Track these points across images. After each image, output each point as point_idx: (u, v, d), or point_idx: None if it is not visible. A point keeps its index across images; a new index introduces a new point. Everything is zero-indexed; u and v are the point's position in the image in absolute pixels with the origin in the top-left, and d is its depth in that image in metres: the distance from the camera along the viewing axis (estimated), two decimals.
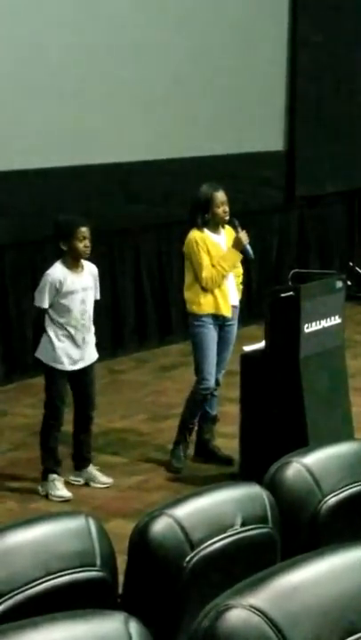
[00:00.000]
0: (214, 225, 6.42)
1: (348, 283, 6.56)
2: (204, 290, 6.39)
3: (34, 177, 8.37)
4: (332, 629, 1.99)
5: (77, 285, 5.99)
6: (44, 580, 2.62)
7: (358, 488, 3.29)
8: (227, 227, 6.50)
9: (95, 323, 9.06)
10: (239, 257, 6.47)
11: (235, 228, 6.47)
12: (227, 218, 6.41)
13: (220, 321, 6.45)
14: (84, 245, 5.94)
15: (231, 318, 6.51)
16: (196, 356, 6.47)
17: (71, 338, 5.98)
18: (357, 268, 11.81)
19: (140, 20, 9.14)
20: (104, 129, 8.87)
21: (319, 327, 6.02)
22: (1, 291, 8.40)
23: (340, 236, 12.04)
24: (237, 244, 6.43)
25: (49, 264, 8.61)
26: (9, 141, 8.10)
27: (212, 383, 6.45)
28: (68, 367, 6.00)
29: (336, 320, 6.19)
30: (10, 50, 8.13)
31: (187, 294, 6.50)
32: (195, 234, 6.37)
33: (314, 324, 5.97)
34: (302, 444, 4.91)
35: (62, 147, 8.53)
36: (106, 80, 8.91)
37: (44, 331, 6.00)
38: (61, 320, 5.96)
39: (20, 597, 2.56)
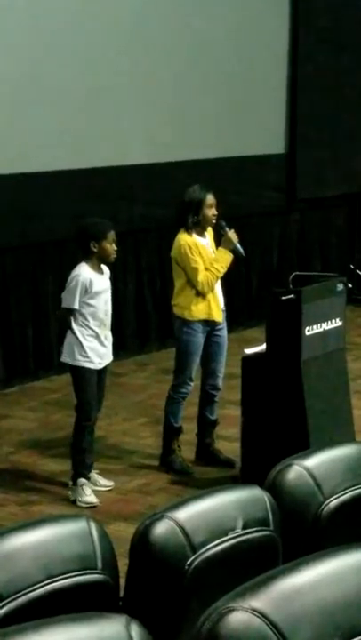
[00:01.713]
0: (201, 227, 6.41)
1: (349, 285, 6.55)
2: (198, 295, 6.37)
3: (34, 180, 8.37)
4: (334, 632, 1.99)
5: (102, 286, 6.07)
6: (45, 582, 2.62)
7: (360, 490, 3.29)
8: (209, 229, 6.48)
9: None
10: (231, 257, 6.45)
11: (222, 228, 6.45)
12: (214, 221, 6.40)
13: (209, 326, 6.44)
14: (113, 248, 6.04)
15: (221, 322, 6.50)
16: (181, 360, 6.46)
17: (97, 337, 6.02)
18: (358, 271, 11.81)
19: (140, 23, 9.15)
20: (105, 132, 8.88)
21: (320, 330, 6.02)
22: (2, 294, 8.40)
23: (341, 239, 12.04)
24: (227, 244, 6.41)
25: (50, 267, 8.68)
26: (10, 145, 8.10)
27: (191, 386, 6.48)
28: (98, 366, 6.04)
29: (337, 323, 6.19)
30: (12, 54, 8.14)
31: (177, 299, 6.46)
32: (185, 238, 6.34)
33: (315, 326, 5.97)
34: (303, 446, 4.91)
35: (64, 150, 8.53)
36: (107, 84, 8.91)
37: (70, 333, 6.01)
38: (87, 320, 5.99)
39: (21, 600, 2.56)
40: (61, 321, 6.15)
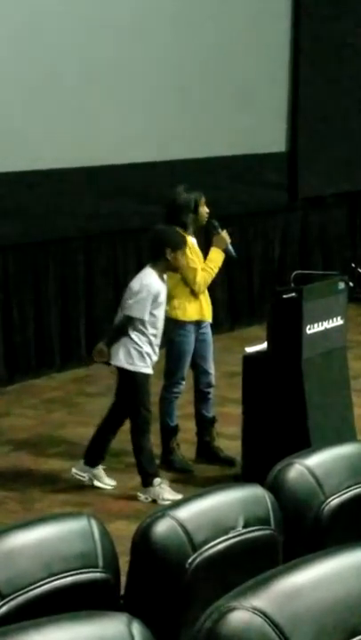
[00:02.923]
0: (194, 227, 6.42)
1: (351, 284, 6.55)
2: (192, 294, 6.36)
3: (38, 178, 8.37)
4: (335, 631, 1.99)
5: (164, 296, 6.06)
6: (46, 581, 2.62)
7: None
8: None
9: (97, 324, 9.11)
10: (223, 257, 6.47)
11: (215, 228, 6.46)
12: (206, 219, 6.43)
13: (199, 326, 6.45)
14: (183, 261, 6.06)
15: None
16: (173, 361, 6.42)
17: (151, 344, 5.99)
18: (360, 270, 11.81)
19: (142, 22, 9.14)
20: (107, 131, 8.87)
21: (321, 328, 6.02)
22: (4, 292, 8.40)
23: (342, 238, 12.04)
24: (220, 244, 6.42)
25: (52, 265, 8.68)
26: (12, 143, 8.10)
27: (183, 386, 6.49)
28: (151, 372, 6.05)
29: (338, 321, 6.19)
30: (13, 52, 8.13)
31: (170, 299, 6.44)
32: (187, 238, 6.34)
33: (316, 325, 5.97)
34: (305, 445, 4.92)
35: (67, 148, 8.53)
36: (109, 83, 8.90)
37: (127, 338, 5.95)
38: (146, 329, 5.95)
39: (22, 599, 2.56)
40: (119, 327, 6.02)
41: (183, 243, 6.03)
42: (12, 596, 2.54)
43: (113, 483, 6.22)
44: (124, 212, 9.13)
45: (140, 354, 5.95)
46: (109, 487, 6.17)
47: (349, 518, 3.24)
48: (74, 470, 6.22)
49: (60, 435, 7.16)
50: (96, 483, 6.17)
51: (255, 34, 10.36)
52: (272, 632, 1.94)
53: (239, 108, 10.23)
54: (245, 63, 10.28)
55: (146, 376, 6.01)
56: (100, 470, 6.22)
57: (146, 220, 9.35)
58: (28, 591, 2.57)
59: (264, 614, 1.96)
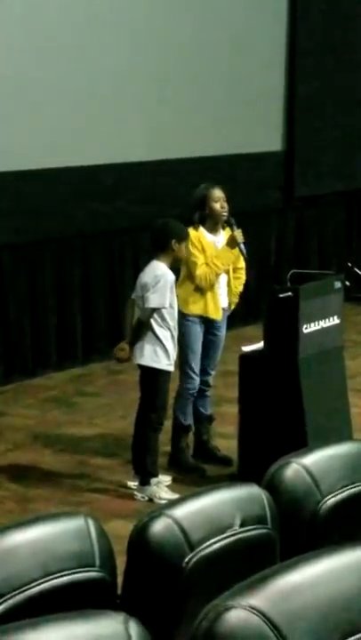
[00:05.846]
0: (212, 223, 6.41)
1: (347, 283, 6.56)
2: (196, 290, 6.37)
3: (31, 178, 8.37)
4: (332, 630, 1.99)
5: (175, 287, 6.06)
6: (43, 580, 2.62)
7: (357, 489, 3.29)
8: (227, 229, 6.48)
9: (94, 323, 9.11)
10: (233, 256, 6.44)
11: (231, 226, 6.46)
12: (225, 214, 6.39)
13: (207, 322, 6.43)
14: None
15: (220, 321, 6.49)
16: (182, 353, 6.40)
17: (173, 338, 5.99)
18: (356, 269, 11.81)
19: (139, 21, 9.14)
20: (103, 129, 8.87)
21: (318, 328, 6.02)
22: (1, 292, 8.39)
23: (338, 237, 12.04)
24: (232, 243, 6.41)
25: (48, 264, 8.68)
26: (5, 142, 8.09)
27: (197, 382, 6.44)
28: (173, 369, 6.04)
29: (335, 320, 6.19)
30: (12, 52, 8.13)
31: (177, 290, 6.46)
32: (190, 232, 6.35)
33: (313, 324, 5.98)
34: (301, 444, 4.91)
35: (61, 147, 8.53)
36: (105, 81, 8.90)
37: (151, 336, 5.92)
38: (166, 321, 5.94)
39: (19, 598, 2.56)
40: (145, 322, 5.95)
41: (187, 234, 6.06)
42: (8, 596, 2.54)
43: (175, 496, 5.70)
44: (122, 212, 9.12)
45: (166, 351, 5.93)
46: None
47: (346, 517, 3.24)
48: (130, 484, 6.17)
49: (57, 434, 7.16)
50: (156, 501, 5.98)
51: (253, 33, 10.35)
52: (269, 631, 1.94)
53: (236, 108, 10.23)
54: (242, 62, 10.27)
55: (169, 374, 6.00)
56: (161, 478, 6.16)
57: (143, 219, 9.35)
58: (24, 590, 2.57)
59: (261, 613, 1.96)
